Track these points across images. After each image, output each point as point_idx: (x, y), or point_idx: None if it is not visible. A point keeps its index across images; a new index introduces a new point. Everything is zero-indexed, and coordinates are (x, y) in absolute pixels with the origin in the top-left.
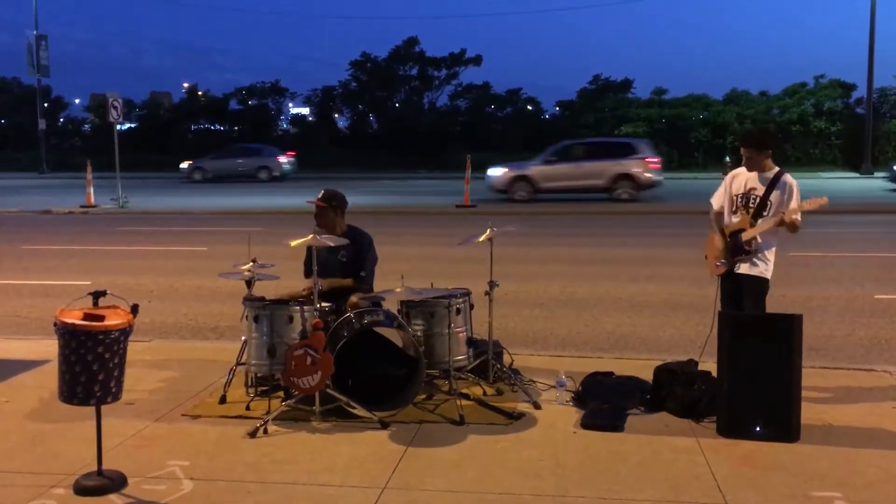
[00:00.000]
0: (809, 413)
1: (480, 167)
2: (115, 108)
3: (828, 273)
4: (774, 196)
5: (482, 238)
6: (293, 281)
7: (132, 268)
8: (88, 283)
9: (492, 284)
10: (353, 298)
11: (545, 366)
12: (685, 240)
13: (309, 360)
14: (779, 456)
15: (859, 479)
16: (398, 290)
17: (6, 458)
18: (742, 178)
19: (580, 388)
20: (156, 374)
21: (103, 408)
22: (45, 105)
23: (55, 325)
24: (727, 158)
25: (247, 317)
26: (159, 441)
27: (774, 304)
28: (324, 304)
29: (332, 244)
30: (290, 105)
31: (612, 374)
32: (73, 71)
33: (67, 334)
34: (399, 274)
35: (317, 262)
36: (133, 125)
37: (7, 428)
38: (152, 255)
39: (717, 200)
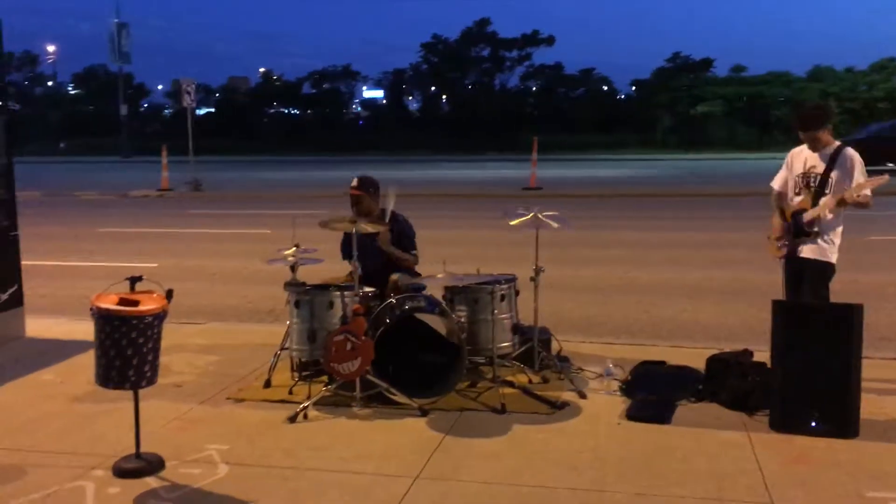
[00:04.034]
0: (873, 407)
1: (551, 149)
2: (189, 93)
3: None
4: (835, 173)
5: (515, 222)
6: (339, 265)
7: (199, 251)
8: (155, 265)
9: (537, 270)
10: (394, 276)
11: (597, 353)
12: (755, 223)
13: (349, 345)
14: (834, 453)
15: None
16: (440, 275)
17: (53, 439)
18: (802, 157)
19: (629, 378)
20: (206, 357)
21: (150, 390)
22: (130, 91)
23: (90, 309)
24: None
25: (288, 302)
26: (201, 424)
27: (845, 289)
28: (367, 289)
29: (371, 230)
30: (364, 88)
31: (663, 363)
32: (156, 58)
33: (102, 319)
34: (454, 258)
35: (357, 247)
36: (211, 110)
37: (57, 409)
38: (219, 238)
39: (778, 181)
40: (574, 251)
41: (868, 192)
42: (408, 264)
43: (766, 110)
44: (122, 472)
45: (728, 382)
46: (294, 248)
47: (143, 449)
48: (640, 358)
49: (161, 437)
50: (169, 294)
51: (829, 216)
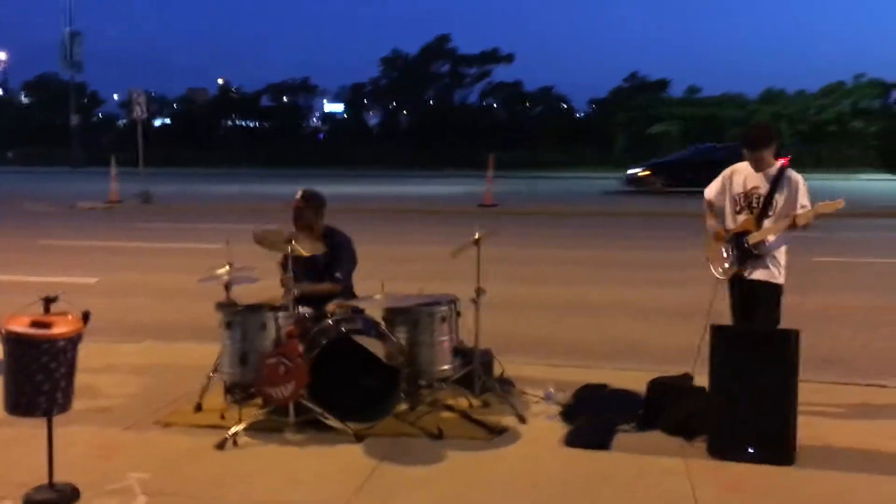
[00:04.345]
0: (810, 432)
1: (509, 166)
2: (140, 104)
3: (850, 280)
4: (779, 195)
5: (454, 252)
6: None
7: (144, 265)
8: (96, 280)
9: (478, 291)
10: (331, 306)
11: (541, 375)
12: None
13: (282, 368)
14: (771, 479)
15: None
16: (377, 296)
17: None
18: (741, 175)
19: (571, 401)
20: (139, 378)
21: (75, 413)
22: (85, 101)
23: (0, 332)
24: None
25: (220, 323)
26: (124, 450)
27: (788, 312)
28: (303, 310)
29: (305, 254)
30: (325, 101)
31: (605, 386)
32: (113, 67)
33: (11, 342)
34: (406, 274)
35: (295, 264)
36: (167, 121)
37: None
38: (167, 252)
39: (713, 191)
40: (530, 269)
41: (824, 212)
42: (324, 292)
43: (720, 131)
44: (32, 502)
45: (668, 407)
46: (228, 267)
47: (59, 478)
48: (585, 380)
49: (80, 464)
50: (85, 316)
51: (774, 237)
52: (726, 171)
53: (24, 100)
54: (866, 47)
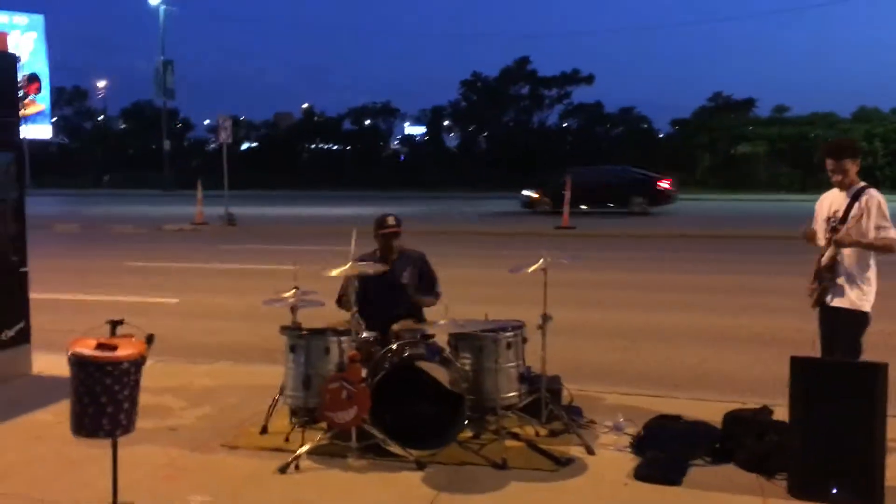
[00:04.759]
0: None
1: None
2: (226, 129)
3: None
4: (854, 210)
5: (531, 269)
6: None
7: (224, 286)
8: (176, 300)
9: (545, 317)
10: (396, 327)
11: (612, 403)
12: (790, 267)
13: (345, 393)
14: None
15: None
16: (442, 321)
17: (38, 484)
18: (827, 202)
19: (641, 433)
20: (208, 398)
21: (143, 434)
22: (178, 126)
23: (67, 354)
24: None
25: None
26: (189, 472)
27: (879, 341)
28: (366, 335)
29: (370, 272)
30: (407, 124)
31: (679, 417)
32: (202, 93)
33: (77, 365)
34: (480, 298)
35: (370, 294)
36: (254, 145)
37: (48, 451)
38: (248, 274)
39: (812, 222)
40: (600, 293)
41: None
42: (429, 304)
43: (809, 152)
44: None
45: (745, 442)
46: (294, 290)
47: (123, 498)
48: (657, 410)
49: (145, 485)
50: (149, 339)
51: (849, 260)
52: (817, 204)
53: (121, 126)
54: None
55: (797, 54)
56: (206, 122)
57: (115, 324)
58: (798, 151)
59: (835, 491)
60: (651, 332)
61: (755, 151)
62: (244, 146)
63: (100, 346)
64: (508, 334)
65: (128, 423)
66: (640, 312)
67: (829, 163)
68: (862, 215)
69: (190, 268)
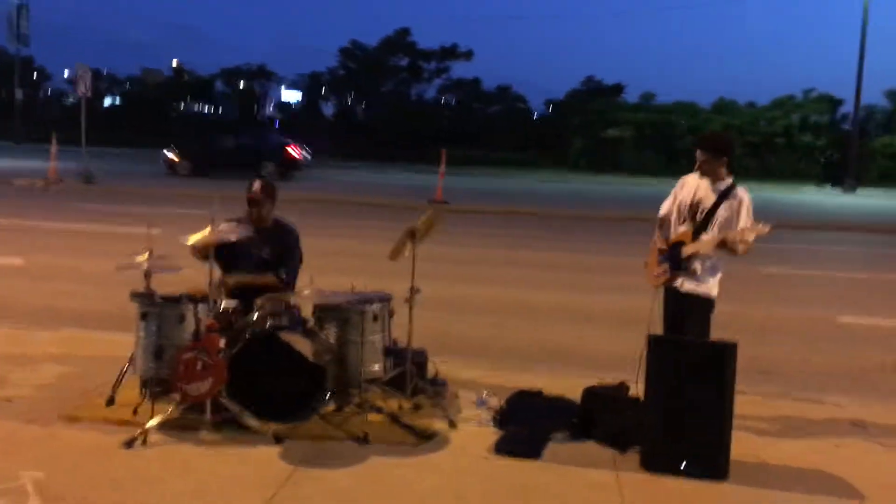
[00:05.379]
0: (745, 448)
1: (463, 163)
2: (85, 80)
3: (791, 292)
4: (723, 210)
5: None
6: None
7: (77, 248)
8: (21, 261)
9: (412, 290)
10: (259, 301)
11: (477, 378)
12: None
13: (200, 364)
14: (701, 496)
15: None
16: (306, 291)
17: None
18: (691, 186)
19: (504, 407)
20: (52, 368)
21: None
22: (33, 75)
23: None
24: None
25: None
26: (24, 446)
27: (730, 322)
28: (228, 303)
29: (233, 238)
30: (283, 87)
31: (540, 392)
32: (64, 42)
33: None
34: (346, 269)
35: (232, 254)
36: (118, 101)
37: None
38: (104, 236)
39: (665, 206)
40: (474, 269)
41: (750, 238)
42: (264, 284)
43: (672, 139)
44: None
45: (602, 417)
46: (147, 254)
47: None
48: (521, 385)
49: None
50: None
51: (706, 249)
52: (678, 183)
53: None
54: (817, 63)
55: (665, 44)
56: (66, 73)
57: None
58: (662, 137)
59: (684, 465)
60: (521, 309)
61: (623, 136)
62: (108, 102)
63: None
64: (374, 306)
65: None
66: (510, 289)
67: (703, 155)
68: (732, 217)
69: (40, 226)
